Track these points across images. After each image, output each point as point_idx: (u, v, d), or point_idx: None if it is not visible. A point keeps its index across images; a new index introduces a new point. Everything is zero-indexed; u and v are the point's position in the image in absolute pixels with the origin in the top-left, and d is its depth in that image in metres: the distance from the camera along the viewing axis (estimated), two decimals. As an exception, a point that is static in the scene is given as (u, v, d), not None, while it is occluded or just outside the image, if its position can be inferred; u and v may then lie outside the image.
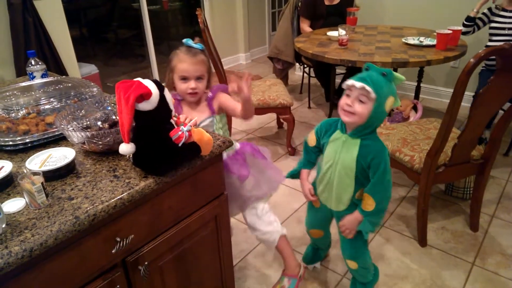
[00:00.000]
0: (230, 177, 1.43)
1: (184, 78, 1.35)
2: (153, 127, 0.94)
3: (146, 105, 0.91)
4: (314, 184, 1.51)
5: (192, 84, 1.35)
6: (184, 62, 1.33)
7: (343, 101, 1.25)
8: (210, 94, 1.43)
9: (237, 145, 1.50)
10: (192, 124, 1.01)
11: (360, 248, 1.48)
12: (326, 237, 1.72)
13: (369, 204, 1.32)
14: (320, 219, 1.61)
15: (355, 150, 1.29)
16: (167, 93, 0.96)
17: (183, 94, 1.38)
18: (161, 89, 0.94)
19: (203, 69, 1.36)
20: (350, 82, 1.22)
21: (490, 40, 2.75)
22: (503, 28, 2.66)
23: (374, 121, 1.25)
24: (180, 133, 0.94)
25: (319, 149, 1.46)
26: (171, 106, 0.97)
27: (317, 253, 1.81)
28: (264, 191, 1.53)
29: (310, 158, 1.51)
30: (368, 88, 1.18)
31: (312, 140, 1.47)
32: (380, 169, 1.27)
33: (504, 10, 2.65)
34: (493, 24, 2.72)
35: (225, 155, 1.42)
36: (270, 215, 1.57)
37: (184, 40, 1.37)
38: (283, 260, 1.69)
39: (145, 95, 0.89)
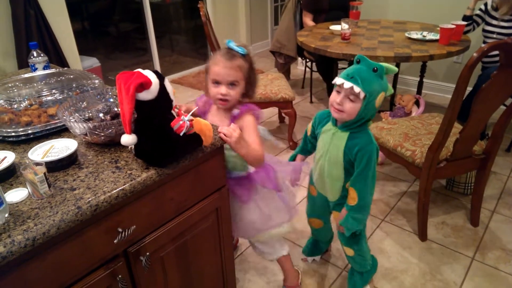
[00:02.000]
0: (233, 200, 1.36)
1: (216, 82, 1.24)
2: (154, 117, 0.94)
3: (146, 95, 0.91)
4: (311, 172, 1.55)
5: (222, 89, 1.23)
6: (217, 65, 1.23)
7: (333, 97, 1.26)
8: (237, 111, 1.28)
9: (250, 169, 1.39)
10: (192, 113, 1.01)
11: (352, 237, 1.48)
12: (326, 229, 1.72)
13: (352, 197, 1.33)
14: (318, 208, 1.61)
15: (342, 142, 1.31)
16: (168, 84, 0.96)
17: (213, 99, 1.28)
18: (161, 79, 0.94)
19: (238, 75, 1.23)
20: (339, 81, 1.22)
21: (484, 42, 2.71)
22: (492, 32, 2.61)
23: (364, 116, 1.26)
24: (181, 122, 0.95)
25: (316, 139, 1.48)
26: (172, 97, 0.97)
27: (317, 246, 1.81)
28: (272, 224, 1.43)
29: (306, 146, 1.55)
30: (356, 89, 1.18)
31: (309, 129, 1.50)
32: (363, 162, 1.27)
33: (496, 9, 2.57)
34: (484, 26, 2.67)
35: (235, 175, 1.35)
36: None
37: (226, 41, 1.27)
38: (283, 272, 1.66)
39: (145, 84, 0.89)
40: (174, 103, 0.99)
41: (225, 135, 1.12)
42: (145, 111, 0.93)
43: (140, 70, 0.92)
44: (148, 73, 0.91)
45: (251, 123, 1.27)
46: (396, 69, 1.26)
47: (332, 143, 1.34)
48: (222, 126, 1.16)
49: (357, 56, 1.24)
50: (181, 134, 0.95)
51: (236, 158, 1.30)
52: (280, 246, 1.56)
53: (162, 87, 0.93)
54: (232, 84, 1.24)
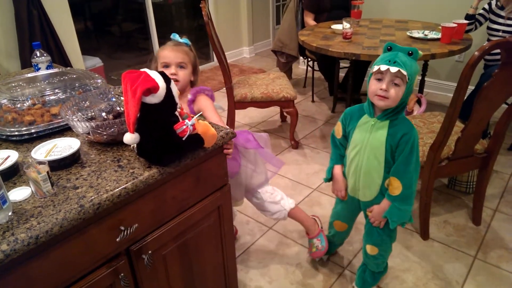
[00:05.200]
0: None
1: (166, 66, 1.38)
2: (158, 119, 0.95)
3: (153, 99, 0.91)
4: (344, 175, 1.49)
5: (172, 69, 1.37)
6: (165, 50, 1.39)
7: (375, 86, 1.24)
8: (189, 96, 1.40)
9: None
10: (197, 117, 1.01)
11: (386, 236, 1.46)
12: (347, 232, 1.70)
13: (395, 187, 1.30)
14: (347, 212, 1.58)
15: (384, 131, 1.29)
16: (173, 86, 0.96)
17: None
18: (167, 82, 0.94)
19: (185, 58, 1.38)
20: (384, 67, 1.20)
21: (488, 40, 2.70)
22: (498, 30, 2.60)
23: (404, 100, 1.26)
24: (184, 127, 0.95)
25: (347, 139, 1.44)
26: (177, 99, 0.98)
27: (329, 246, 1.78)
28: (262, 179, 1.59)
29: (341, 152, 1.49)
30: (404, 72, 1.18)
31: (338, 131, 1.46)
32: (408, 147, 1.26)
33: (502, 8, 2.57)
34: (489, 24, 2.67)
35: None
36: (275, 195, 1.61)
37: (171, 35, 1.44)
38: (301, 224, 1.74)
39: (153, 89, 0.89)
40: (178, 105, 1.00)
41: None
42: (150, 113, 0.93)
43: (147, 70, 0.92)
44: (155, 76, 0.91)
45: (208, 104, 1.40)
46: (422, 53, 1.27)
47: (372, 134, 1.31)
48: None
49: (387, 43, 1.25)
50: (184, 138, 0.95)
51: None
52: (285, 200, 1.66)
53: (168, 91, 0.93)
54: (180, 66, 1.38)
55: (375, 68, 1.24)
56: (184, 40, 1.43)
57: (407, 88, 1.22)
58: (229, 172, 1.38)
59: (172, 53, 1.38)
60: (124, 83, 0.89)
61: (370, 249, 1.51)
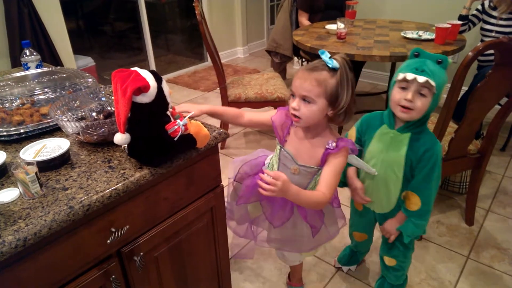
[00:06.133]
0: (300, 223, 1.29)
1: (292, 95, 1.11)
2: (149, 119, 0.93)
3: (144, 98, 0.90)
4: None
5: (294, 102, 1.08)
6: (297, 74, 1.10)
7: (399, 95, 1.14)
8: (333, 144, 1.11)
9: None
10: (189, 117, 1.00)
11: (404, 248, 1.40)
12: (369, 241, 1.65)
13: (414, 203, 1.23)
14: (365, 222, 1.54)
15: (404, 145, 1.21)
16: (165, 85, 0.95)
17: (290, 114, 1.14)
18: (159, 81, 0.92)
19: (314, 90, 1.05)
20: (410, 76, 1.10)
21: (482, 41, 2.72)
22: (491, 31, 2.62)
23: (430, 112, 1.17)
24: (176, 127, 0.94)
25: (360, 146, 1.35)
26: (168, 99, 0.96)
27: (354, 256, 1.74)
28: (328, 237, 1.36)
29: None
30: (432, 82, 1.09)
31: (352, 136, 1.37)
32: (431, 163, 1.18)
33: (494, 8, 2.59)
34: (483, 25, 2.69)
35: None
36: None
37: (320, 52, 1.10)
38: (292, 272, 1.67)
39: (143, 88, 0.88)
40: (170, 105, 0.98)
41: (265, 187, 1.01)
42: (141, 112, 0.92)
43: (137, 69, 0.90)
44: (146, 75, 0.90)
45: (339, 165, 1.12)
46: (451, 61, 1.17)
47: (390, 148, 1.23)
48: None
49: (414, 49, 1.15)
50: (175, 138, 0.94)
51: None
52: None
53: (160, 90, 0.92)
54: (305, 99, 1.07)
55: (400, 76, 1.14)
56: (330, 61, 1.06)
57: (434, 100, 1.13)
58: (313, 228, 1.27)
59: (299, 82, 1.07)
60: (114, 82, 0.88)
61: (388, 261, 1.47)
